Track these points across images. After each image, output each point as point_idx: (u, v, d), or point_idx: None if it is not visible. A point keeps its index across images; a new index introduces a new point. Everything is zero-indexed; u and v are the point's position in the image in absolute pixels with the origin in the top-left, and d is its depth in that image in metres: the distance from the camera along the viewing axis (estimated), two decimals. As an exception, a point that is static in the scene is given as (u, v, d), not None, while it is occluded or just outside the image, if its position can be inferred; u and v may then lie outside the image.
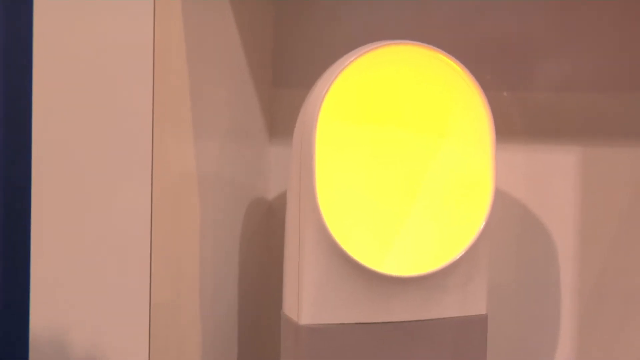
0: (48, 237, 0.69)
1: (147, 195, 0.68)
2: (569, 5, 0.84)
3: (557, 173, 0.84)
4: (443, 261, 0.70)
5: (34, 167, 0.68)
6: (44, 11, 0.68)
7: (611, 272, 0.85)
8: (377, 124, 0.77)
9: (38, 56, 0.68)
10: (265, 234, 0.89)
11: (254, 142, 0.88)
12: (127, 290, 0.68)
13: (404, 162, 0.77)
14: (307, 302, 0.68)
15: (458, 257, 0.70)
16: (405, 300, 0.70)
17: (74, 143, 0.68)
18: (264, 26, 0.88)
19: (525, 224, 0.85)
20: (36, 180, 0.68)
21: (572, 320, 0.85)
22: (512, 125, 0.84)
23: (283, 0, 0.89)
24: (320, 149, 0.68)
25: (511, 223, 0.85)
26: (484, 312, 0.73)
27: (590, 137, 0.84)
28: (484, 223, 0.71)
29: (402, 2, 0.87)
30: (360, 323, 0.69)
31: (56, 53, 0.68)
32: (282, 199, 0.88)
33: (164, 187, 0.69)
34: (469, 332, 0.72)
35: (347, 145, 0.76)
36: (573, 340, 0.85)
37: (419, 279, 0.70)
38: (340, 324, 0.69)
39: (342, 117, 0.76)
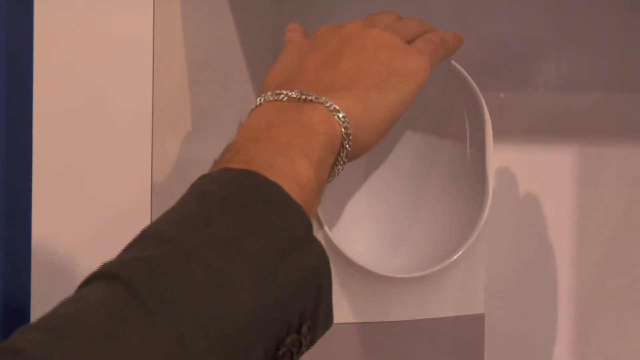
0: (48, 234, 0.69)
1: (147, 197, 0.68)
2: (568, 5, 0.84)
3: (555, 173, 0.85)
4: (441, 261, 0.70)
5: (34, 165, 0.68)
6: (44, 12, 0.68)
7: (608, 272, 0.85)
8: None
9: (38, 58, 0.68)
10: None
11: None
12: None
13: (402, 162, 0.77)
14: (307, 301, 0.68)
15: (456, 257, 0.70)
16: (404, 300, 0.70)
17: (74, 141, 0.68)
18: (264, 27, 0.89)
19: (523, 224, 0.85)
20: (37, 178, 0.68)
21: (570, 319, 0.85)
22: (509, 126, 0.84)
23: (284, 2, 0.89)
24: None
25: (509, 223, 0.85)
26: (481, 312, 0.73)
27: (587, 137, 0.84)
28: (481, 223, 0.71)
29: (401, 2, 0.87)
30: (359, 323, 0.70)
31: (57, 59, 0.68)
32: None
33: (163, 188, 0.69)
34: (467, 332, 0.73)
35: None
36: (570, 339, 0.86)
37: (417, 279, 0.70)
38: (340, 323, 0.69)
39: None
